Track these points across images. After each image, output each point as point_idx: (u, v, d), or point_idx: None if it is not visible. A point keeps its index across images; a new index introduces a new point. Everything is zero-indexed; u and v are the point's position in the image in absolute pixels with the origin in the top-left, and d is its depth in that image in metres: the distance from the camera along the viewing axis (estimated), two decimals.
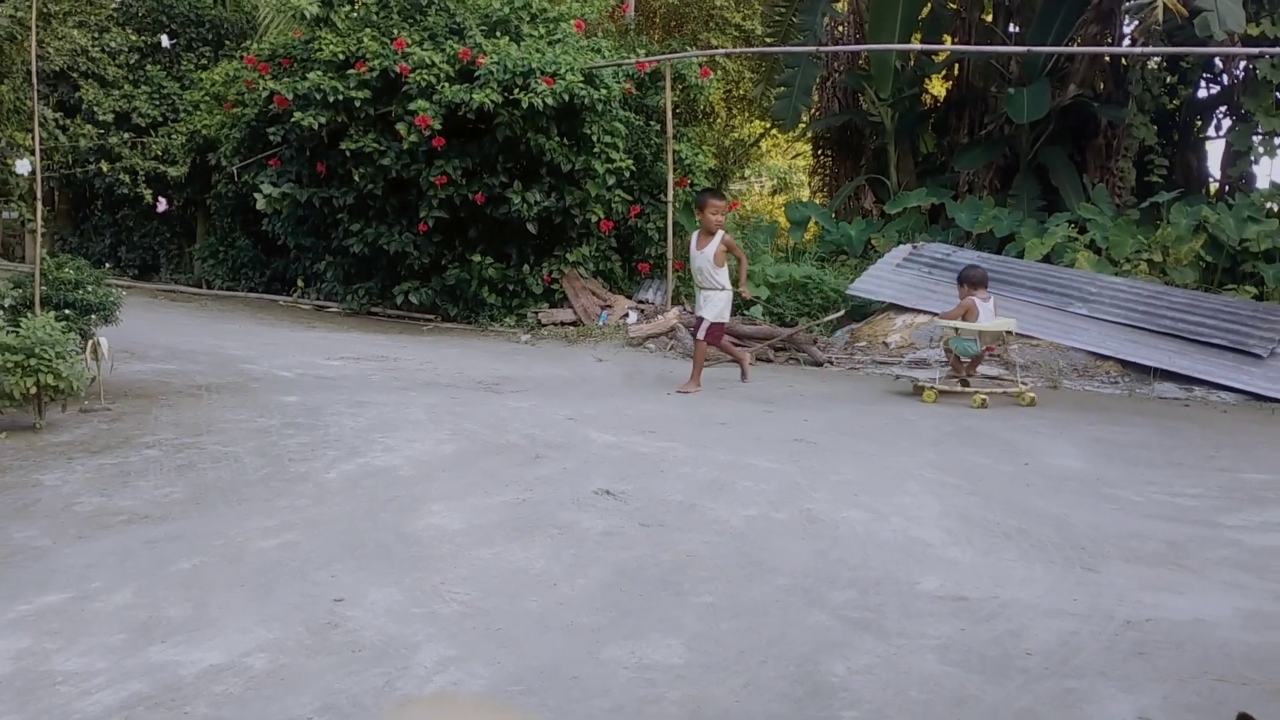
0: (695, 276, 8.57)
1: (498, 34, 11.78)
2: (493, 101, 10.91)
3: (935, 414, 7.59)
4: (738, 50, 16.49)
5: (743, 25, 18.04)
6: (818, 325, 10.98)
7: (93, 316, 7.50)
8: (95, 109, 10.79)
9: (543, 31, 12.06)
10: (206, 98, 14.55)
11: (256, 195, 12.68)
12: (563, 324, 11.85)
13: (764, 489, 5.36)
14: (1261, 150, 12.71)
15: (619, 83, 11.74)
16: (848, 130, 16.57)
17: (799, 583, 4.07)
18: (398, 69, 11.30)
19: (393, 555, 4.30)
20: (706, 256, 8.35)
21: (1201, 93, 14.62)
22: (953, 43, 15.13)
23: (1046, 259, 11.51)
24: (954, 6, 15.34)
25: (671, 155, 11.83)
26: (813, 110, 16.75)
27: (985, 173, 14.33)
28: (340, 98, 11.41)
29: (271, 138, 12.47)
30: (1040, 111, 13.01)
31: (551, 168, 11.58)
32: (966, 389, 8.37)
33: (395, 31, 11.80)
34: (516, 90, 10.95)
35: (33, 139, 7.13)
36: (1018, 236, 12.21)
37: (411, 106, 11.14)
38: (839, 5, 16.74)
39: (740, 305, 11.65)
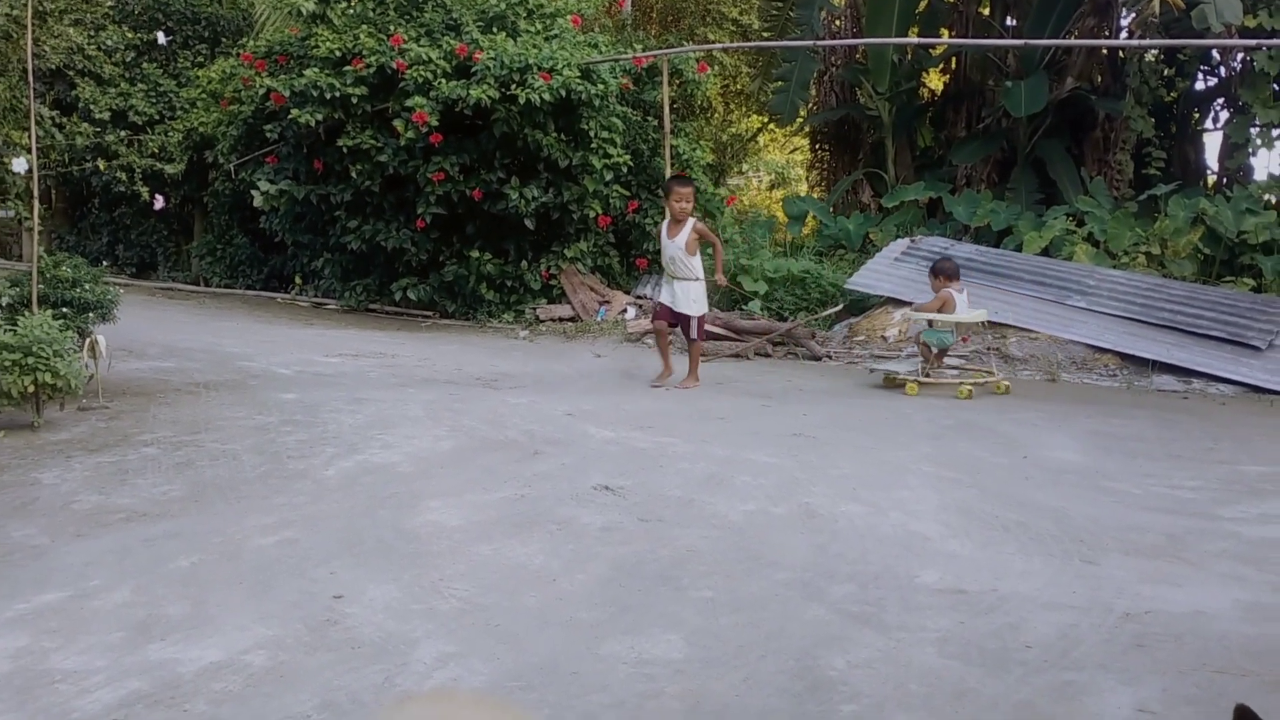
0: (668, 267, 8.35)
1: (494, 30, 11.76)
2: (490, 97, 10.90)
3: (933, 408, 7.59)
4: (735, 45, 16.47)
5: (740, 20, 18.01)
6: (816, 320, 10.98)
7: (90, 315, 7.49)
8: (92, 107, 10.76)
9: (539, 27, 12.05)
10: (203, 95, 14.53)
11: (254, 192, 12.66)
12: (561, 320, 11.84)
13: (762, 484, 5.36)
14: (1259, 142, 12.68)
15: (616, 78, 11.73)
16: (845, 124, 16.55)
17: (798, 577, 4.07)
18: (394, 65, 11.28)
19: (391, 552, 4.30)
20: (679, 246, 8.15)
21: (1199, 85, 14.60)
22: (950, 36, 15.11)
23: (1044, 252, 11.51)
24: (951, 0, 15.32)
25: (669, 150, 11.81)
26: (810, 105, 16.72)
27: (983, 166, 14.31)
28: (337, 94, 11.40)
29: (268, 135, 12.46)
30: (1038, 105, 13.00)
31: (549, 163, 11.57)
32: (942, 380, 8.38)
33: (392, 28, 11.78)
34: (513, 86, 10.93)
35: (29, 137, 7.12)
36: (1015, 230, 12.20)
37: (408, 103, 11.13)
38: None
39: (738, 300, 11.67)
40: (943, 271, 8.50)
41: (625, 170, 11.98)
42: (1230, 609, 3.77)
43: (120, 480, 5.29)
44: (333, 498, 5.05)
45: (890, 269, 11.21)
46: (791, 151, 23.28)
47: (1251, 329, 9.16)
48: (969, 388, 8.06)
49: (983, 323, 8.59)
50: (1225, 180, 13.78)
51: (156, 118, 14.51)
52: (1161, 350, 9.15)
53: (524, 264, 12.13)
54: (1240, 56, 13.01)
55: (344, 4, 12.37)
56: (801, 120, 16.79)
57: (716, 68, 15.29)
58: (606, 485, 5.23)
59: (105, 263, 15.14)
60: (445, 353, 9.83)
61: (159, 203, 9.24)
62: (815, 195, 17.16)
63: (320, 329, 11.53)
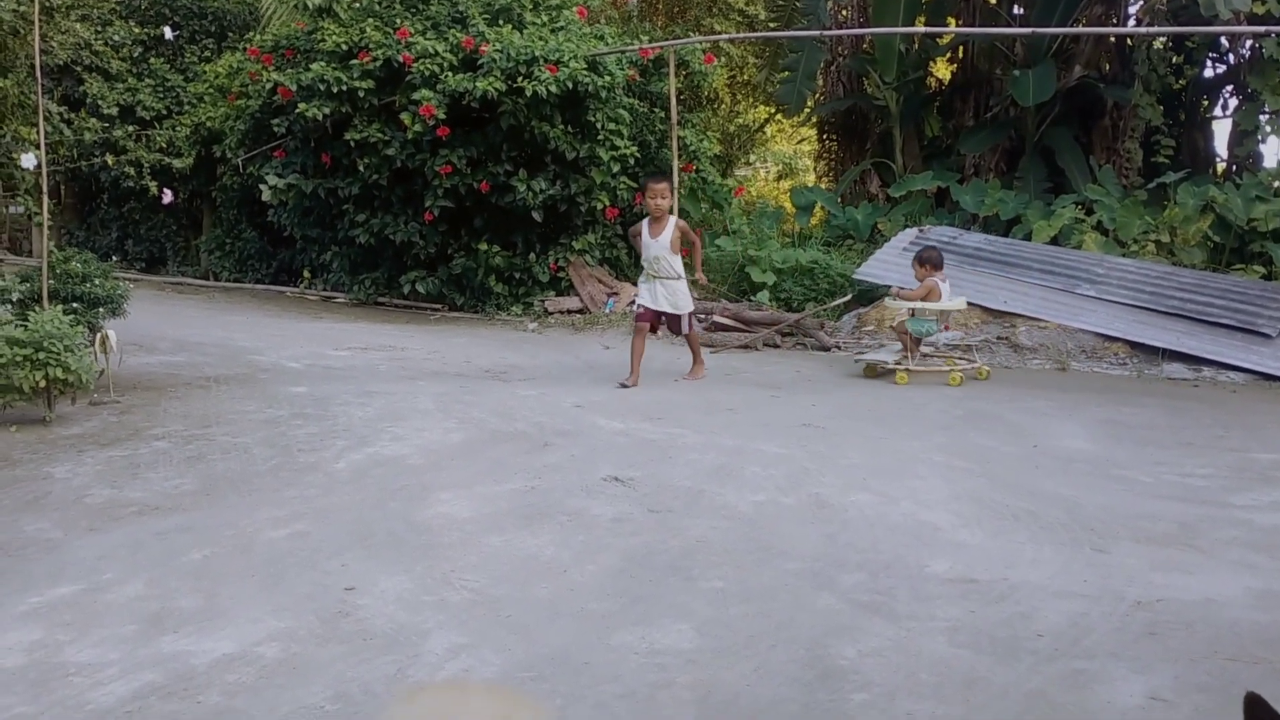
0: (650, 266, 8.02)
1: (500, 22, 11.76)
2: (496, 90, 10.89)
3: (942, 397, 7.58)
4: (741, 36, 16.44)
5: (746, 10, 17.98)
6: (824, 310, 10.97)
7: (100, 309, 7.52)
8: (99, 102, 10.77)
9: (545, 19, 12.03)
10: (210, 90, 14.55)
11: (262, 187, 12.69)
12: (569, 312, 11.85)
13: (772, 474, 5.36)
14: (1269, 129, 12.64)
15: (622, 69, 11.72)
16: (853, 114, 16.52)
17: (808, 567, 4.07)
18: (401, 59, 11.28)
19: (402, 544, 4.31)
20: (663, 245, 7.90)
21: (1208, 72, 14.55)
22: (957, 25, 15.06)
23: (1053, 241, 11.49)
24: None
25: (676, 142, 11.80)
26: (817, 95, 16.70)
27: (991, 155, 14.29)
28: (344, 88, 11.40)
29: (276, 129, 12.48)
30: (1046, 93, 12.96)
31: (556, 155, 11.57)
32: (931, 368, 8.40)
33: (398, 21, 11.78)
34: (520, 78, 10.93)
35: (38, 133, 7.13)
36: (1024, 219, 12.18)
37: (415, 96, 11.13)
38: None
39: (747, 290, 11.66)
40: (928, 261, 8.52)
41: (632, 162, 11.97)
42: (1242, 596, 3.77)
43: (132, 474, 5.31)
44: (344, 490, 5.07)
45: (898, 259, 11.18)
46: (799, 142, 23.26)
47: (1262, 316, 9.13)
48: (959, 374, 8.11)
49: (961, 310, 8.60)
50: (1235, 167, 13.74)
51: (164, 112, 14.55)
52: (1171, 338, 9.13)
53: (532, 256, 12.14)
54: (1249, 43, 12.97)
55: None
56: (809, 110, 16.77)
57: (723, 59, 15.27)
58: (616, 476, 5.24)
59: (115, 258, 15.18)
60: (454, 345, 9.85)
61: (167, 197, 9.25)
62: (823, 185, 17.15)
63: (329, 322, 11.55)
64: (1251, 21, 11.45)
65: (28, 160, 6.93)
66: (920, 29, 14.46)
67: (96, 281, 7.55)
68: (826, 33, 14.63)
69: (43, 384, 6.11)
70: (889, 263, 11.21)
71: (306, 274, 14.14)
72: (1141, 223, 11.25)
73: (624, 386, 7.75)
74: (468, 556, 4.16)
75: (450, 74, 11.14)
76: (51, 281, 7.16)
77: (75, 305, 7.18)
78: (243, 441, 5.94)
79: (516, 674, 3.17)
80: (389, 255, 12.70)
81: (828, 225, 14.24)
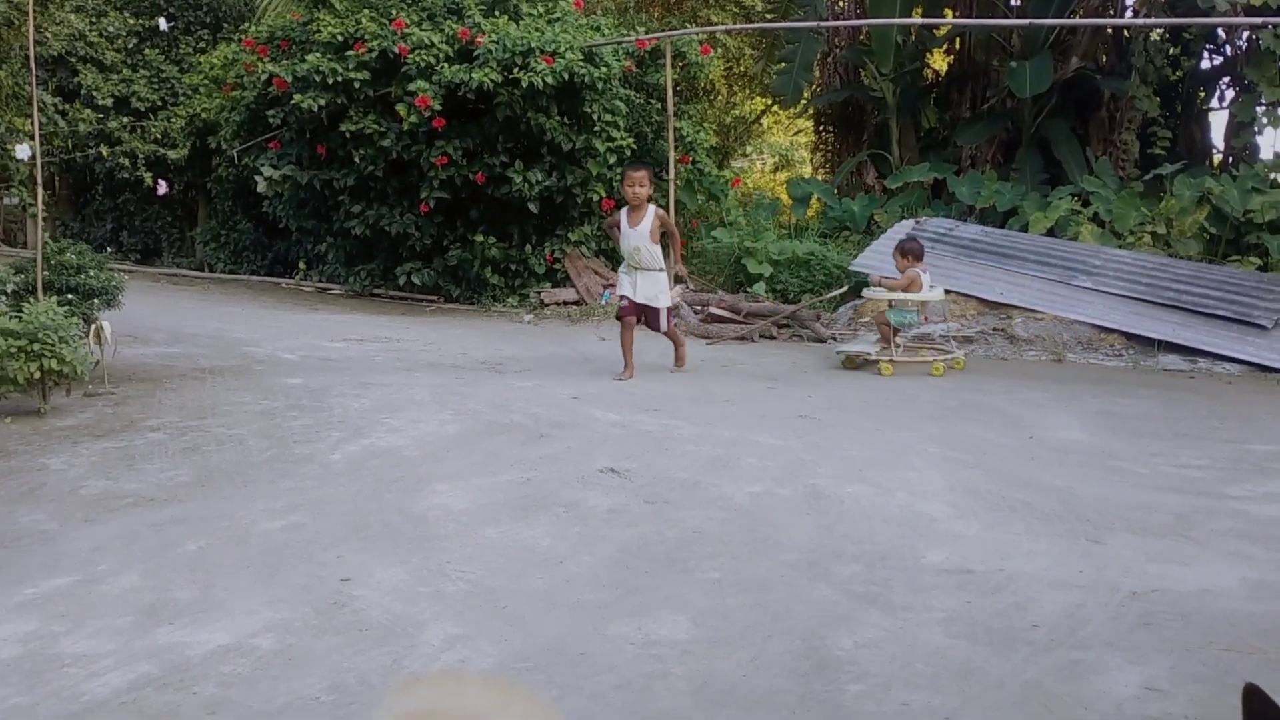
0: (630, 257, 7.85)
1: (496, 13, 11.73)
2: (492, 81, 10.87)
3: (937, 388, 7.58)
4: (738, 27, 16.38)
5: (743, 2, 17.92)
6: (821, 302, 10.96)
7: (95, 301, 7.50)
8: (94, 93, 10.77)
9: (541, 10, 12.01)
10: (205, 81, 14.51)
11: (257, 178, 12.66)
12: (565, 303, 11.83)
13: (768, 465, 5.36)
14: (1265, 121, 12.63)
15: (619, 61, 11.69)
16: (849, 106, 16.50)
17: (804, 558, 4.07)
18: (396, 50, 11.25)
19: (398, 535, 4.30)
20: (642, 235, 7.73)
21: (1204, 64, 14.54)
22: (954, 16, 15.05)
23: (1050, 232, 11.49)
24: None
25: (673, 133, 11.78)
26: (814, 86, 16.68)
27: (988, 147, 14.28)
28: (339, 79, 11.37)
29: (271, 120, 12.44)
30: (1042, 85, 12.95)
31: (552, 147, 11.55)
32: (914, 359, 8.42)
33: (393, 12, 11.74)
34: (516, 69, 10.90)
35: (32, 124, 7.11)
36: (1021, 210, 12.17)
37: (411, 87, 11.10)
38: None
39: (744, 281, 11.65)
40: (910, 252, 8.53)
41: (629, 153, 11.95)
42: (1237, 587, 3.77)
43: (127, 465, 5.30)
44: (339, 482, 5.06)
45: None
46: (795, 134, 23.23)
47: (1258, 308, 9.14)
48: (942, 365, 8.15)
49: (941, 301, 8.69)
50: (1231, 159, 13.74)
51: (159, 104, 14.51)
52: (1167, 330, 9.14)
53: (528, 248, 12.12)
54: (1246, 35, 12.96)
55: None
56: (805, 102, 16.75)
57: (720, 50, 15.25)
58: (612, 468, 5.24)
59: (110, 249, 15.17)
60: (450, 337, 9.84)
61: (162, 189, 9.23)
62: (819, 177, 17.13)
63: (325, 314, 11.54)
64: (1249, 13, 11.44)
65: (22, 151, 6.91)
66: (917, 20, 14.44)
67: (91, 273, 7.53)
68: (823, 24, 14.62)
69: (37, 375, 6.10)
70: (885, 254, 11.15)
71: (302, 265, 14.12)
72: (1138, 214, 11.26)
73: (620, 380, 7.73)
74: (464, 548, 4.16)
75: (446, 65, 11.11)
76: (46, 273, 7.14)
77: (70, 297, 7.16)
78: (238, 433, 5.93)
79: (513, 665, 3.17)
80: (384, 247, 12.67)
81: (824, 217, 14.23)
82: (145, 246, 16.60)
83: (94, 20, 8.71)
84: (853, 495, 4.87)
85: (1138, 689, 3.01)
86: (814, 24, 14.15)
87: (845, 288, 11.16)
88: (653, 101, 12.78)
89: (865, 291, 9.20)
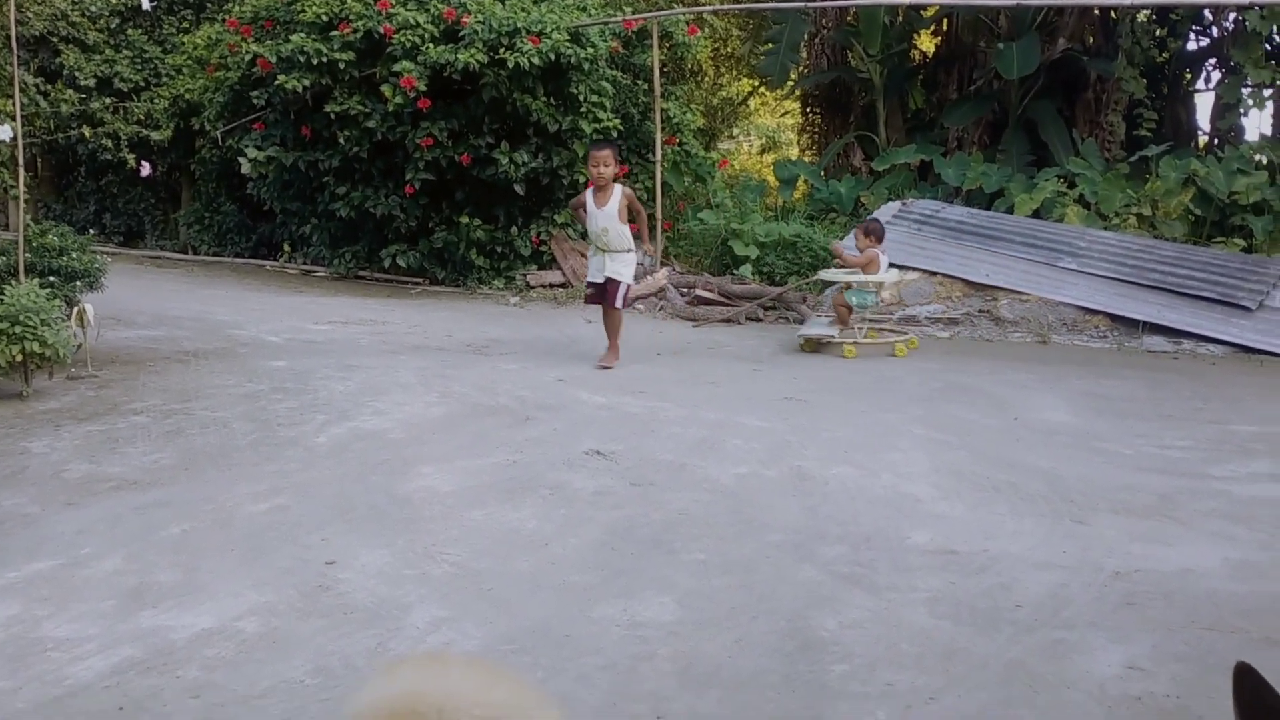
0: (597, 239, 7.61)
1: None
2: (478, 62, 10.80)
3: (922, 370, 7.59)
4: (725, 7, 16.33)
5: None
6: (807, 284, 10.95)
7: (78, 283, 7.44)
8: (76, 74, 10.67)
9: None
10: (189, 61, 14.38)
11: (241, 160, 12.57)
12: (551, 286, 11.80)
13: (754, 447, 5.37)
14: (1250, 102, 12.66)
15: (605, 41, 11.63)
16: (836, 87, 16.46)
17: (790, 539, 4.08)
18: (381, 30, 11.17)
19: (384, 518, 4.30)
20: (610, 214, 7.47)
21: (1191, 45, 14.56)
22: None
23: (1036, 214, 11.49)
24: None
25: (659, 114, 11.75)
26: (801, 67, 16.62)
27: (974, 128, 14.27)
28: (324, 60, 11.29)
29: (255, 101, 12.34)
30: (1029, 66, 12.94)
31: (538, 128, 11.49)
32: (878, 340, 8.46)
33: None
34: (502, 50, 10.84)
35: (13, 104, 7.04)
36: (1007, 192, 12.18)
37: (396, 68, 11.03)
38: None
39: (730, 263, 11.63)
40: (873, 232, 8.58)
41: (615, 135, 11.90)
42: (1220, 567, 3.79)
43: (110, 449, 5.27)
44: (324, 464, 5.05)
45: None
46: (782, 115, 23.17)
47: (1241, 289, 9.17)
48: (903, 345, 8.25)
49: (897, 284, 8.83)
50: (1216, 141, 13.77)
51: (142, 84, 14.38)
52: (1152, 311, 9.16)
53: (514, 230, 12.07)
54: (1232, 16, 12.97)
55: None
56: (792, 83, 16.70)
57: (706, 30, 15.16)
58: (598, 450, 5.23)
59: (92, 231, 15.03)
60: (435, 319, 9.81)
61: (145, 170, 9.17)
62: (806, 159, 17.10)
63: (310, 296, 11.49)
64: None
65: (3, 132, 6.84)
66: (904, 1, 14.38)
67: (73, 255, 7.47)
68: (810, 4, 14.55)
69: (19, 358, 6.06)
70: None
71: (286, 247, 14.04)
72: (1123, 196, 11.27)
73: (604, 367, 7.61)
74: (449, 530, 4.15)
75: (431, 45, 11.03)
76: (28, 255, 7.08)
77: (52, 279, 7.11)
78: (222, 416, 5.91)
79: (498, 647, 3.18)
80: (369, 229, 12.61)
81: (811, 199, 14.21)
82: (128, 229, 16.49)
83: (76, 0, 8.62)
84: (838, 477, 4.88)
85: (1120, 668, 3.03)
86: (801, 4, 14.07)
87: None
88: (639, 82, 12.73)
89: (822, 272, 9.15)
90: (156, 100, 12.91)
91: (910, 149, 13.84)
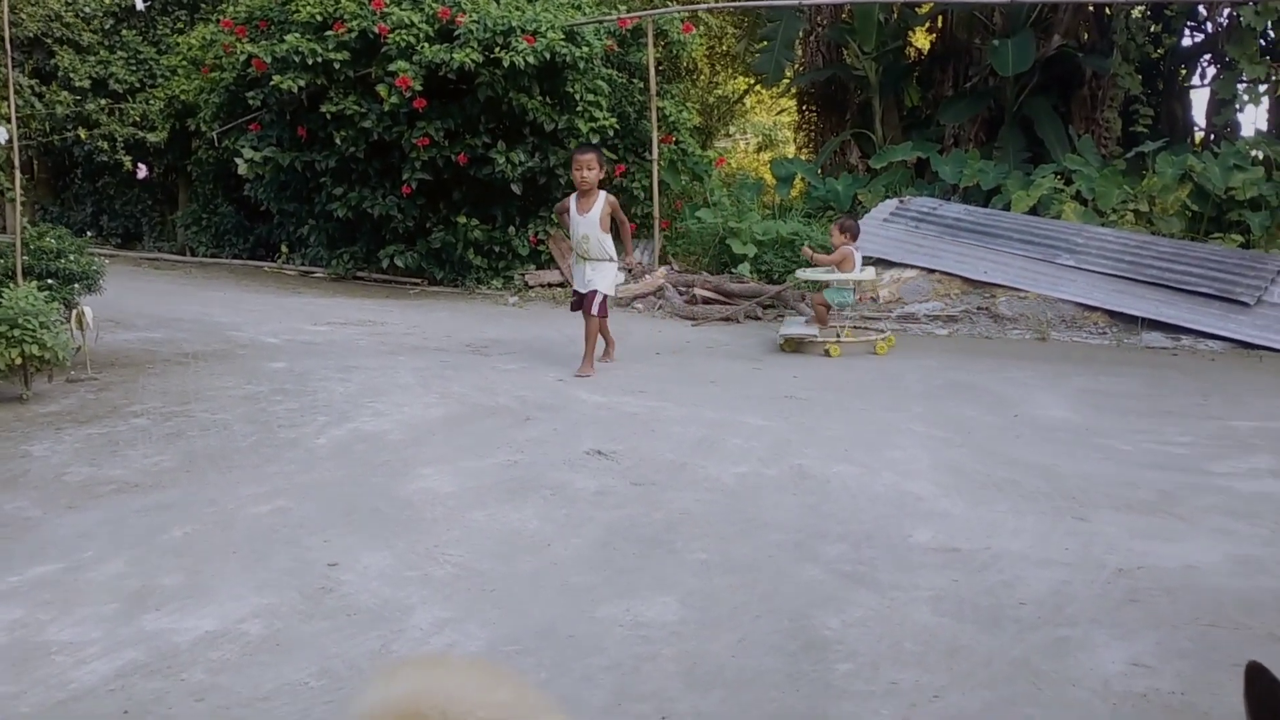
0: (579, 246, 7.47)
1: None
2: (473, 61, 10.80)
3: (923, 368, 7.60)
4: (720, 5, 16.31)
5: None
6: (805, 282, 10.95)
7: (76, 286, 7.44)
8: (71, 75, 10.64)
9: None
10: (184, 62, 14.35)
11: (237, 160, 12.55)
12: (550, 285, 11.80)
13: (754, 446, 5.37)
14: (1246, 98, 12.67)
15: (601, 40, 11.63)
16: (832, 85, 16.45)
17: (791, 538, 4.08)
18: (376, 29, 11.16)
19: (385, 519, 4.29)
20: (591, 222, 7.31)
21: (1186, 41, 14.54)
22: None
23: (1033, 211, 11.50)
24: None
25: (655, 113, 11.74)
26: (796, 65, 16.61)
27: (970, 126, 14.26)
28: (319, 60, 11.27)
29: (251, 102, 12.33)
30: (1025, 63, 12.94)
31: (535, 127, 11.49)
32: (860, 338, 8.44)
33: None
34: (497, 49, 10.83)
35: (9, 106, 7.03)
36: (1004, 189, 12.18)
37: (391, 67, 11.02)
38: None
39: (728, 262, 11.63)
40: (848, 229, 8.60)
41: (611, 133, 11.90)
42: (1222, 563, 3.80)
43: (111, 451, 5.27)
44: (325, 466, 5.04)
45: (879, 230, 11.18)
46: (778, 113, 23.17)
47: (1239, 285, 9.18)
48: (884, 344, 8.26)
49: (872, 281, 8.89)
50: (1213, 136, 13.77)
51: (137, 86, 14.36)
52: (1150, 307, 9.17)
53: (511, 230, 12.07)
54: (1227, 12, 12.97)
55: None
56: (788, 81, 16.68)
57: (702, 28, 15.18)
58: (599, 450, 5.23)
59: (90, 233, 15.03)
60: (434, 320, 9.80)
61: (142, 172, 9.16)
62: (803, 157, 17.09)
63: (308, 297, 11.48)
64: None
65: None
66: None
67: (71, 257, 7.47)
68: (805, 1, 14.55)
69: (18, 361, 6.05)
70: (869, 234, 11.17)
71: (284, 249, 14.03)
72: (1120, 192, 11.28)
73: (603, 361, 7.65)
74: (451, 531, 4.15)
75: (426, 45, 11.03)
76: (25, 258, 7.07)
77: (50, 282, 7.10)
78: (222, 418, 5.91)
79: (502, 648, 3.17)
80: (367, 229, 12.60)
81: (808, 197, 14.20)
82: (126, 230, 16.46)
83: (69, 1, 8.61)
84: (839, 475, 4.88)
85: (1124, 665, 3.03)
86: (796, 2, 14.08)
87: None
88: (635, 81, 12.72)
89: (799, 272, 9.13)
90: (152, 101, 12.89)
91: (907, 146, 13.84)
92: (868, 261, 10.89)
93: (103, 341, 7.62)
